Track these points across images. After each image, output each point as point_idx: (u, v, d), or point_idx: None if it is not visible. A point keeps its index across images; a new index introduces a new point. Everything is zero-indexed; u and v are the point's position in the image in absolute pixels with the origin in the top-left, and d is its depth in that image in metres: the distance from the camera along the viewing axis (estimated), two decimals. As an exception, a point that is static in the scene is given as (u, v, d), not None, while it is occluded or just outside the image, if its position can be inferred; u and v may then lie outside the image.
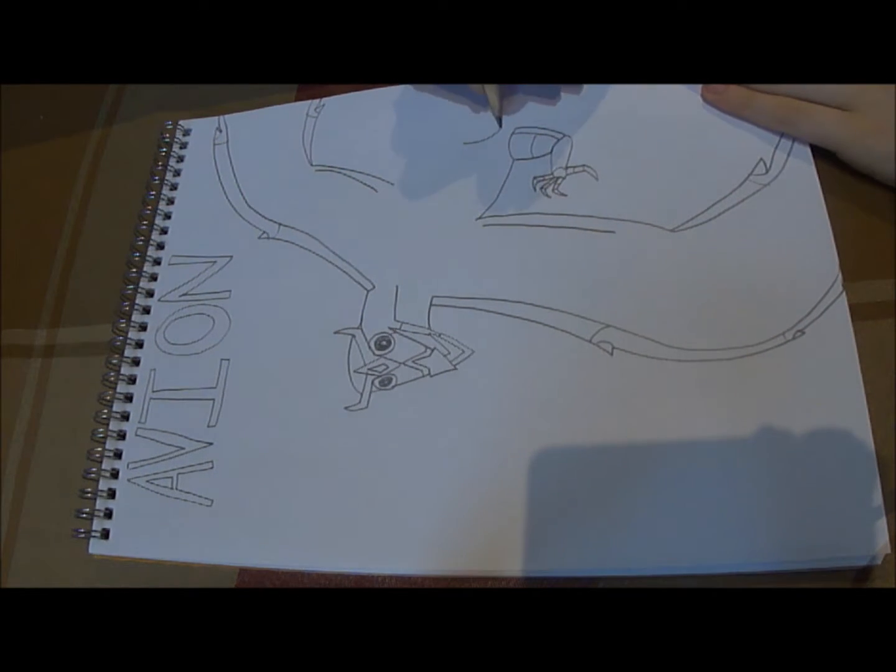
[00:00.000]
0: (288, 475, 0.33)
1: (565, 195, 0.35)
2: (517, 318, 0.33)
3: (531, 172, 0.36)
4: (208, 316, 0.39)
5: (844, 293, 0.29)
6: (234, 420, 0.36)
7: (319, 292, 0.37)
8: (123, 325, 0.40)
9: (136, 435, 0.37)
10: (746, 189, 0.33)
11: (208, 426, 0.36)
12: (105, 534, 0.35)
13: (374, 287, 0.36)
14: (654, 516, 0.28)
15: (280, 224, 0.40)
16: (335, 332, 0.36)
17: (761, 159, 0.33)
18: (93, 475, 0.36)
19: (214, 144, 0.44)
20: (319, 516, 0.32)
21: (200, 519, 0.34)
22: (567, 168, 0.36)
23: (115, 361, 0.39)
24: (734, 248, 0.32)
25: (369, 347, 0.35)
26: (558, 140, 0.37)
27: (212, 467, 0.35)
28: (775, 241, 0.31)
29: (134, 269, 0.41)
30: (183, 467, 0.35)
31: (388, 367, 0.34)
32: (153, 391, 0.38)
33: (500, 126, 0.38)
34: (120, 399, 0.38)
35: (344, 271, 0.37)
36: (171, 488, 0.35)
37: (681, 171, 0.34)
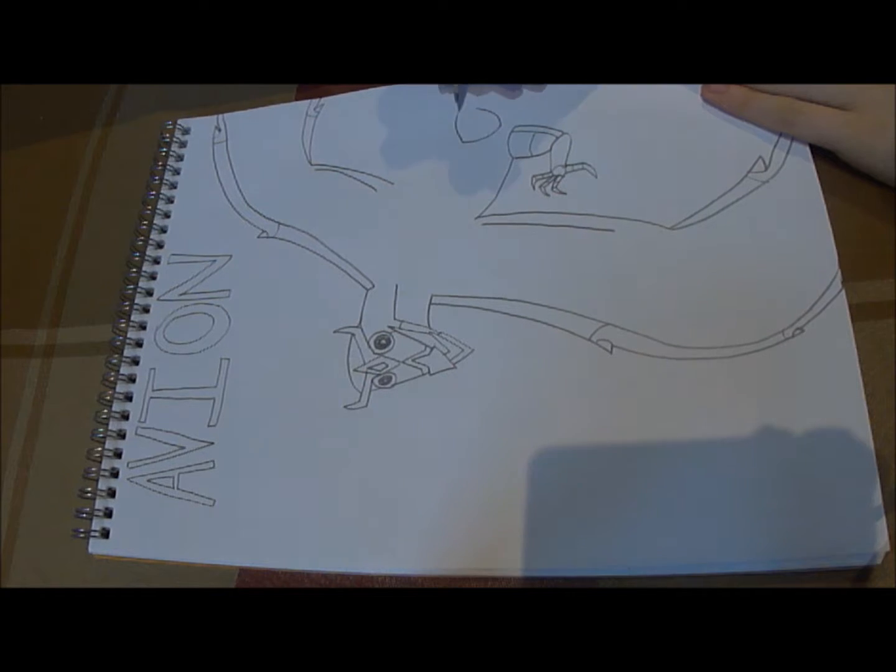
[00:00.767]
0: (288, 474, 0.34)
1: (564, 193, 0.35)
2: (516, 316, 0.33)
3: (530, 171, 0.36)
4: (208, 315, 0.39)
5: (843, 291, 0.29)
6: (235, 419, 0.36)
7: (319, 291, 0.37)
8: (123, 324, 0.40)
9: (137, 434, 0.37)
10: (745, 186, 0.33)
11: (209, 425, 0.36)
12: (105, 533, 0.35)
13: (373, 286, 0.36)
14: (653, 516, 0.28)
15: (279, 223, 0.40)
16: (335, 331, 0.36)
17: (760, 157, 0.33)
18: (93, 475, 0.36)
19: (214, 144, 0.44)
20: (319, 516, 0.32)
21: (201, 519, 0.34)
22: (566, 166, 0.36)
23: (114, 361, 0.39)
24: (733, 246, 0.32)
25: (369, 346, 0.35)
26: (557, 138, 0.37)
27: (213, 467, 0.35)
28: (774, 239, 0.31)
29: (134, 269, 0.41)
30: (184, 467, 0.35)
31: (387, 366, 0.34)
32: (153, 390, 0.38)
33: (459, 109, 0.39)
34: (120, 398, 0.38)
35: (343, 270, 0.37)
36: (173, 488, 0.35)
37: (680, 169, 0.34)
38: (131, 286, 0.40)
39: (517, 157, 0.37)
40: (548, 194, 0.35)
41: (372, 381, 0.34)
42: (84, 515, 0.35)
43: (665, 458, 0.29)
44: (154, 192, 0.43)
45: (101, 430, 0.37)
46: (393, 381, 0.34)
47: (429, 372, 0.34)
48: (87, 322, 0.41)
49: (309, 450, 0.34)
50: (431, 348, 0.34)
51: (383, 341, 0.35)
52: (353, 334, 0.35)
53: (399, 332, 0.35)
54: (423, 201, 0.37)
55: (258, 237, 0.40)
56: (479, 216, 0.36)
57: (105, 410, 0.38)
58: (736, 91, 0.33)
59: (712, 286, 0.31)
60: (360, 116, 0.41)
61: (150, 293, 0.40)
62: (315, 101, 0.42)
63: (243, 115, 0.44)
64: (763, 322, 0.30)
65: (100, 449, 0.37)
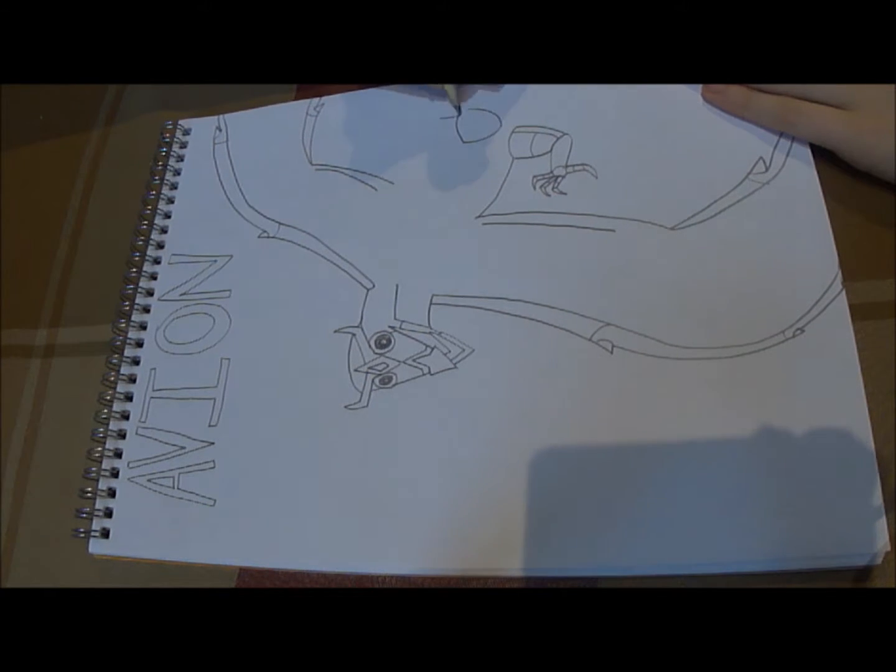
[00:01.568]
0: (288, 474, 0.34)
1: (565, 194, 0.35)
2: (517, 316, 0.33)
3: (531, 171, 0.36)
4: (208, 315, 0.39)
5: (844, 291, 0.29)
6: (235, 419, 0.36)
7: (320, 291, 0.37)
8: (123, 324, 0.40)
9: (137, 434, 0.37)
10: (746, 187, 0.33)
11: (209, 425, 0.36)
12: (105, 533, 0.35)
13: (374, 286, 0.36)
14: (654, 516, 0.28)
15: (280, 223, 0.40)
16: (335, 331, 0.36)
17: (761, 158, 0.33)
18: (93, 475, 0.36)
19: (214, 144, 0.44)
20: (319, 516, 0.32)
21: (201, 519, 0.34)
22: (567, 167, 0.36)
23: (115, 361, 0.39)
24: (734, 246, 0.32)
25: (369, 346, 0.35)
26: (558, 139, 0.37)
27: (213, 467, 0.35)
28: (775, 239, 0.31)
29: (134, 269, 0.41)
30: (184, 467, 0.35)
31: (388, 366, 0.34)
32: (154, 390, 0.38)
33: (459, 113, 0.39)
34: (120, 398, 0.38)
35: (344, 270, 0.37)
36: (173, 488, 0.35)
37: (680, 169, 0.34)
38: (132, 286, 0.40)
39: (518, 158, 0.37)
40: (548, 194, 0.35)
41: (372, 381, 0.34)
42: (84, 515, 0.35)
43: (665, 458, 0.29)
44: (154, 192, 0.43)
45: (102, 429, 0.37)
46: (393, 381, 0.34)
47: (429, 372, 0.34)
48: (88, 322, 0.41)
49: (309, 450, 0.34)
50: (432, 348, 0.34)
51: (384, 341, 0.35)
52: (353, 334, 0.35)
53: (399, 332, 0.35)
54: (424, 201, 0.37)
55: (259, 237, 0.40)
56: (479, 216, 0.36)
57: (105, 410, 0.38)
58: (736, 91, 0.33)
59: (713, 286, 0.31)
60: (360, 116, 0.41)
61: (150, 293, 0.40)
62: (315, 100, 0.42)
63: (244, 116, 0.44)
64: (763, 322, 0.30)
65: (100, 449, 0.37)
